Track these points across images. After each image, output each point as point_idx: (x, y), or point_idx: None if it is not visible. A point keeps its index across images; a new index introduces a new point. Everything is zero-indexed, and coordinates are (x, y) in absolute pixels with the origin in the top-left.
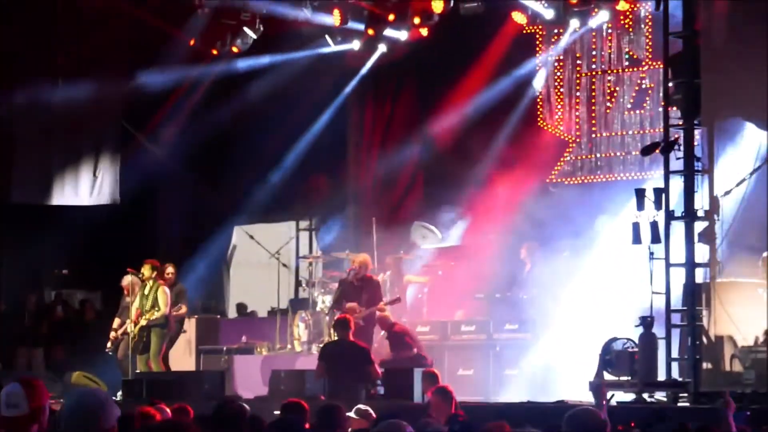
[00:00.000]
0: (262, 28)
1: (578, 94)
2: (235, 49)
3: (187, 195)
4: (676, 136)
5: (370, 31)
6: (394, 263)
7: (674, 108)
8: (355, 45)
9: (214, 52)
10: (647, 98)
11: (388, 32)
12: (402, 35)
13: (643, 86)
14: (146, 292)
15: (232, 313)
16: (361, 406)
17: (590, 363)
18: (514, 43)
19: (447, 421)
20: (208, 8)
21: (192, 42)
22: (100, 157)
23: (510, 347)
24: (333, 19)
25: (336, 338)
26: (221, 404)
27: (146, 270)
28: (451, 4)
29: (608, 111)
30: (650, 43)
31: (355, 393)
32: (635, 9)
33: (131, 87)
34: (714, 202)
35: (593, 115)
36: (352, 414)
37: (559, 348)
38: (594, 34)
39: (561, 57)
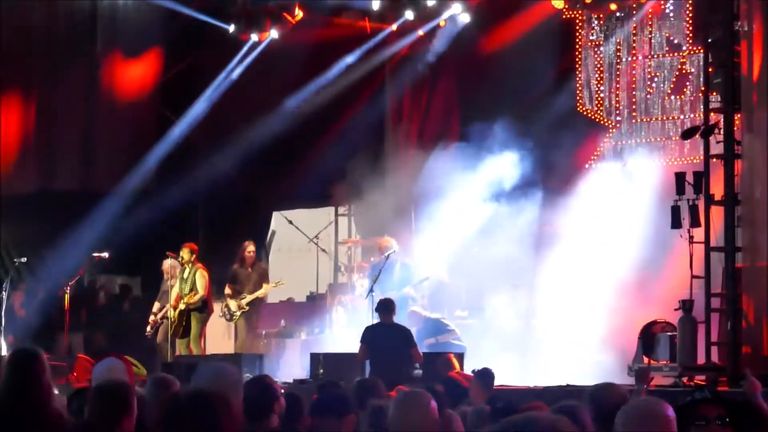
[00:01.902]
0: (301, 14)
1: (618, 78)
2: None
3: (225, 180)
4: (717, 120)
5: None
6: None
7: (715, 93)
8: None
9: (252, 37)
10: (687, 83)
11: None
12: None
13: (684, 71)
14: (185, 276)
15: (271, 297)
16: None
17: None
18: (551, 28)
19: (488, 401)
20: None
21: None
22: (139, 143)
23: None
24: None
25: (378, 321)
26: (250, 381)
27: (185, 253)
28: None
29: (648, 96)
30: (690, 28)
31: (397, 376)
32: None
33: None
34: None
35: (633, 100)
36: None
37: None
38: (635, 18)
39: (601, 42)
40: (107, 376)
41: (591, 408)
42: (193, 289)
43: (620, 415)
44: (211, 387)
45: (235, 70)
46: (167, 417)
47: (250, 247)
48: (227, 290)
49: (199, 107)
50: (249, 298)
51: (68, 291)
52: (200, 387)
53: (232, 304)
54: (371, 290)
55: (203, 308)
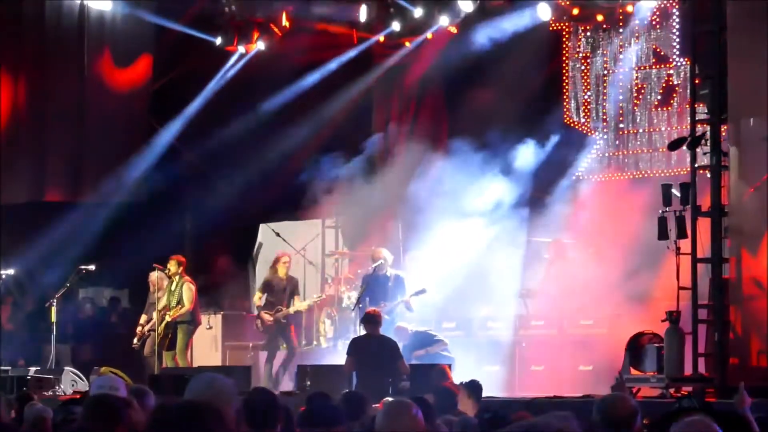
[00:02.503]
0: (288, 25)
1: (605, 90)
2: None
3: (212, 192)
4: (703, 131)
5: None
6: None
7: (702, 104)
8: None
9: (239, 49)
10: (674, 95)
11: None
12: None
13: (671, 83)
14: (172, 288)
15: (257, 310)
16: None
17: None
18: (538, 39)
19: (477, 412)
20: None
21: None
22: (128, 154)
23: (535, 343)
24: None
25: (364, 333)
26: (253, 392)
27: (172, 266)
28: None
29: (635, 107)
30: (677, 40)
31: (384, 388)
32: (662, 5)
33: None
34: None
35: (621, 111)
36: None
37: (584, 344)
38: (621, 30)
39: (588, 54)
40: (108, 391)
41: (599, 418)
42: (180, 301)
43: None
44: (203, 398)
45: (220, 80)
46: (153, 428)
47: (285, 258)
48: (258, 300)
49: (184, 117)
50: (289, 310)
51: (55, 304)
52: (190, 398)
53: (266, 316)
54: (359, 302)
55: (190, 321)
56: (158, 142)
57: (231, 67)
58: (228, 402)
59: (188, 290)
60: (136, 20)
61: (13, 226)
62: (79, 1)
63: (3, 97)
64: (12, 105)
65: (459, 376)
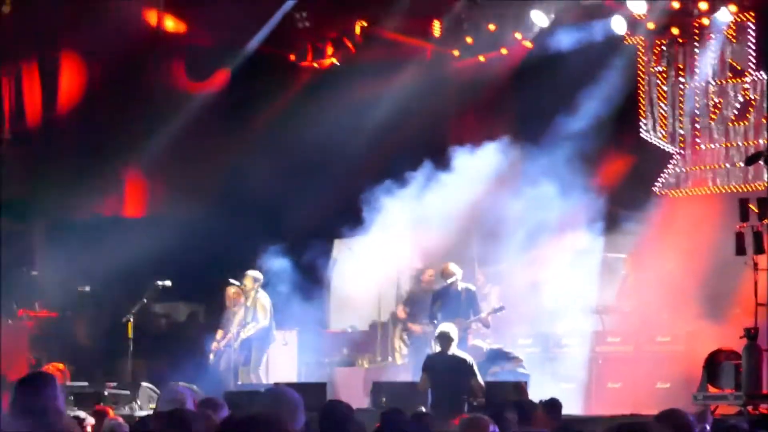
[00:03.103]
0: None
1: (681, 105)
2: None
3: (285, 207)
4: None
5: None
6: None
7: None
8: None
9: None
10: (751, 109)
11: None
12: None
13: (747, 97)
14: (248, 304)
15: (333, 325)
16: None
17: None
18: (612, 54)
19: (554, 431)
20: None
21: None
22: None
23: (612, 360)
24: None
25: (439, 350)
26: (329, 404)
27: (248, 281)
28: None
29: (712, 122)
30: (754, 53)
31: (459, 405)
32: (739, 19)
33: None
34: None
35: (696, 126)
36: None
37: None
38: (697, 45)
39: (664, 68)
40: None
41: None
42: (255, 317)
43: None
44: (270, 411)
45: (293, 95)
46: None
47: (430, 271)
48: (401, 313)
49: (256, 131)
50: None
51: (132, 319)
52: (254, 411)
53: (415, 327)
54: (434, 318)
55: (264, 337)
56: (229, 159)
57: (304, 83)
58: (293, 415)
59: (262, 306)
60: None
61: (89, 240)
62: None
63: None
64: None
65: (535, 393)
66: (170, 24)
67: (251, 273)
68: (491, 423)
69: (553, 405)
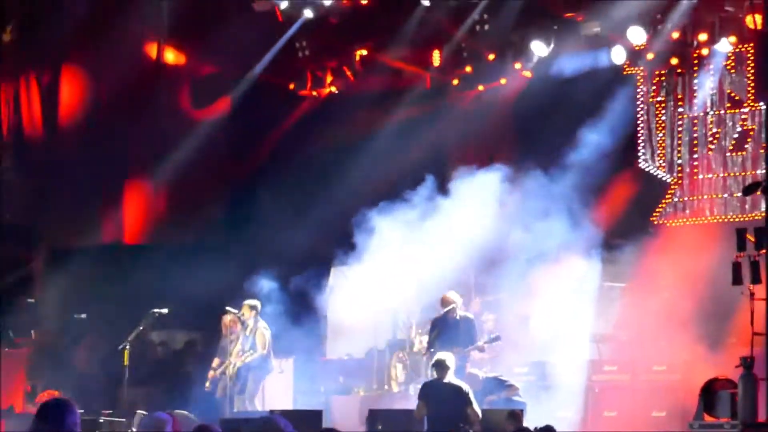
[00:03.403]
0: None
1: (680, 135)
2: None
3: (284, 234)
4: None
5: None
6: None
7: None
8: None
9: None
10: (749, 139)
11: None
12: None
13: (745, 127)
14: (247, 333)
15: (330, 354)
16: None
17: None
18: (611, 84)
19: None
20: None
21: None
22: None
23: (608, 388)
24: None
25: (435, 377)
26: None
27: (246, 310)
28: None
29: (710, 152)
30: (752, 84)
31: None
32: (737, 50)
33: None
34: None
35: (695, 156)
36: None
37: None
38: (696, 75)
39: (663, 98)
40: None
41: None
42: (253, 346)
43: None
44: None
45: (293, 122)
46: None
47: (477, 301)
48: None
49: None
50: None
51: (128, 347)
52: None
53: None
54: (430, 346)
55: (261, 366)
56: (232, 187)
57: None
58: None
59: (261, 335)
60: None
61: (88, 267)
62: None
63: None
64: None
65: (531, 421)
66: (171, 56)
67: (249, 302)
68: None
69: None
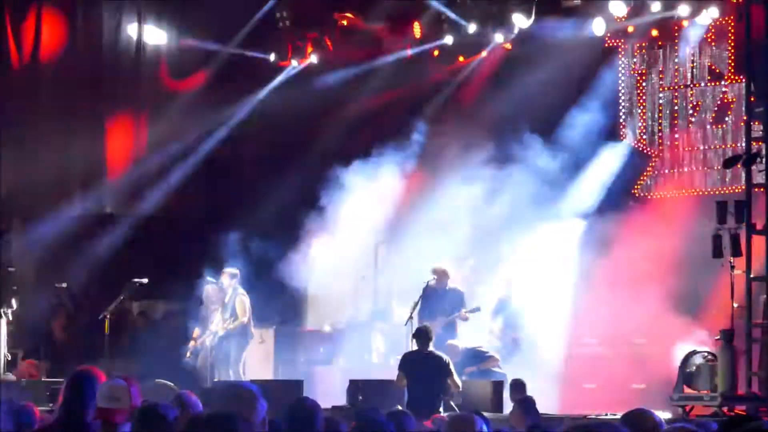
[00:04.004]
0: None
1: (660, 108)
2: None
3: (263, 204)
4: (758, 149)
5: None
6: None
7: (757, 122)
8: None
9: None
10: (729, 112)
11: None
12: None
13: (725, 100)
14: (226, 300)
15: (311, 324)
16: None
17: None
18: (594, 56)
19: (528, 429)
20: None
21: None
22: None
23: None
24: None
25: (416, 348)
26: (298, 400)
27: (225, 279)
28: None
29: (690, 125)
30: (732, 57)
31: (434, 403)
32: (718, 23)
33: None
34: None
35: (675, 129)
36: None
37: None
38: (676, 47)
39: (644, 70)
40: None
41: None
42: (233, 314)
43: None
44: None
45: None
46: None
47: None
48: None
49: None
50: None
51: (108, 316)
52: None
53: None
54: (411, 316)
55: (243, 334)
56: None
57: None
58: (251, 409)
59: (241, 303)
60: (190, 46)
61: (67, 237)
62: (135, 37)
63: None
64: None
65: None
66: (151, 34)
67: (228, 270)
68: (478, 421)
69: (526, 403)
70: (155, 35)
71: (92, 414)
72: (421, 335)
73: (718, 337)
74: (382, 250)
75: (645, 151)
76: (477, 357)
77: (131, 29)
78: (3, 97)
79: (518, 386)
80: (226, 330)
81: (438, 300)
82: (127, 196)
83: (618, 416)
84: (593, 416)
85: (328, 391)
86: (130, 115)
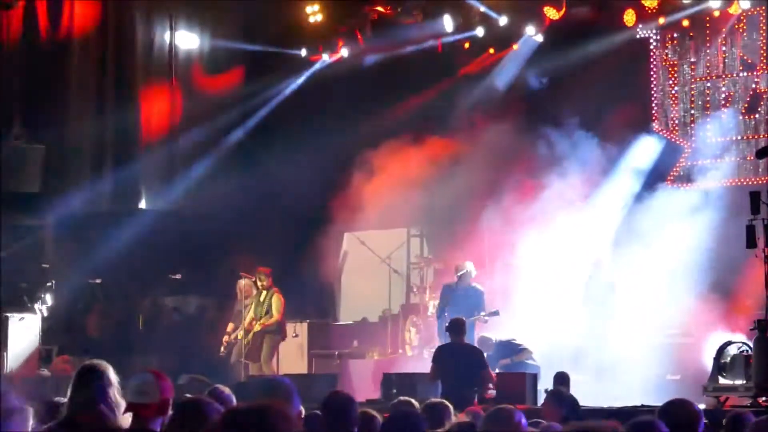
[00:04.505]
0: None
1: (693, 98)
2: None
3: (298, 201)
4: None
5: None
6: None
7: None
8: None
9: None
10: (762, 102)
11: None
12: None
13: (758, 90)
14: (261, 299)
15: (344, 318)
16: None
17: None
18: (625, 47)
19: (561, 421)
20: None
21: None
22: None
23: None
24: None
25: (449, 341)
26: (332, 393)
27: (261, 278)
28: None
29: (723, 116)
30: (764, 47)
31: (469, 396)
32: (750, 13)
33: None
34: None
35: (708, 119)
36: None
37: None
38: (708, 38)
39: (675, 61)
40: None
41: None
42: (269, 312)
43: None
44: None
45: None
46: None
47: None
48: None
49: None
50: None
51: (142, 311)
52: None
53: None
54: (443, 311)
55: (277, 331)
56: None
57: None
58: (287, 403)
59: (277, 301)
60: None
61: (101, 233)
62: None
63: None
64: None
65: (545, 384)
66: (183, 38)
67: (263, 268)
68: (517, 413)
69: (557, 394)
70: (187, 39)
71: (99, 408)
72: (455, 328)
73: (753, 327)
74: (415, 244)
75: (678, 142)
76: (510, 349)
77: (164, 34)
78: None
79: (561, 379)
80: (262, 327)
81: (459, 298)
82: (158, 178)
83: (656, 406)
84: (629, 407)
85: (362, 384)
86: (165, 88)
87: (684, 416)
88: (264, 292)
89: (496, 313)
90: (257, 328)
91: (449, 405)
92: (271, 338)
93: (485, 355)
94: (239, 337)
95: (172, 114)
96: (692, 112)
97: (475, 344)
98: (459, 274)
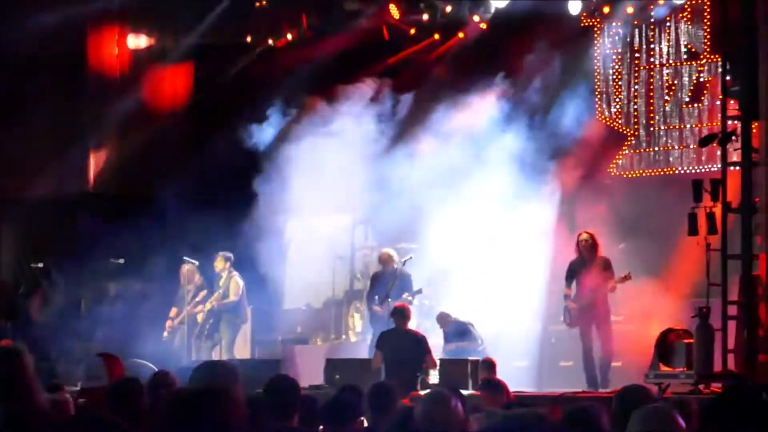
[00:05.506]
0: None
1: (636, 87)
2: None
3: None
4: (734, 128)
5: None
6: None
7: (732, 101)
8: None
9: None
10: (705, 91)
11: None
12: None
13: (701, 79)
14: (221, 283)
15: (288, 303)
16: None
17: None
18: (570, 36)
19: (504, 408)
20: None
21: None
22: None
23: (564, 340)
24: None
25: (393, 327)
26: (275, 377)
27: (219, 262)
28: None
29: (666, 104)
30: (708, 36)
31: (412, 382)
32: (693, 2)
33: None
34: None
35: (651, 108)
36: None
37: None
38: (653, 27)
39: (619, 50)
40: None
41: (616, 409)
42: (225, 294)
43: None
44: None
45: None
46: (171, 414)
47: (584, 235)
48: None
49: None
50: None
51: (85, 297)
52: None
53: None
54: (387, 297)
55: (236, 313)
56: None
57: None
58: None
59: (235, 283)
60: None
61: (45, 217)
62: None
63: None
64: None
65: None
66: (133, 42)
67: (222, 253)
68: (454, 397)
69: (491, 385)
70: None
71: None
72: (399, 313)
73: (694, 315)
74: (360, 230)
75: (621, 131)
76: (462, 334)
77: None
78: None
79: (486, 365)
80: (214, 304)
81: (386, 284)
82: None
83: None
84: (570, 393)
85: (306, 370)
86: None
87: (641, 401)
88: (223, 277)
89: (419, 292)
90: (208, 305)
91: (395, 387)
92: (230, 321)
93: (440, 331)
94: (183, 322)
95: None
96: (635, 100)
97: (436, 320)
98: (404, 260)
